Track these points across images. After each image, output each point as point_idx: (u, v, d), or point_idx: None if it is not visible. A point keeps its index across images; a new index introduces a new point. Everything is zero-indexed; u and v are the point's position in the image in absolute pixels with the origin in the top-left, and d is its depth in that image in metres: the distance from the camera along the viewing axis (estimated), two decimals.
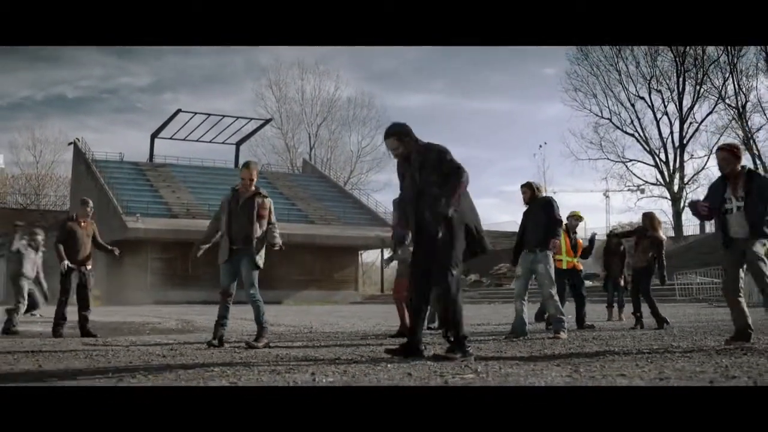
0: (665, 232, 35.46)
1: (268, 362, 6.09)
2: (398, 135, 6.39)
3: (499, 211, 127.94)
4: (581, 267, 12.23)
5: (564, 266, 11.64)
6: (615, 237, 14.74)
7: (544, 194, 9.87)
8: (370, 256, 66.49)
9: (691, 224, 57.79)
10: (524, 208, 9.69)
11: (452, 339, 6.16)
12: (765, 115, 56.05)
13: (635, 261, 11.69)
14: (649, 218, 11.93)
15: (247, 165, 8.68)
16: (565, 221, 10.77)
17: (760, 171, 54.94)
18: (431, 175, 6.19)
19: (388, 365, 5.56)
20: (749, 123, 56.34)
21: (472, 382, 4.43)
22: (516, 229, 10.14)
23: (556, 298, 9.52)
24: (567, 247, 11.69)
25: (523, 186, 9.78)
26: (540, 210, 9.47)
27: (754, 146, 55.85)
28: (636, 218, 52.68)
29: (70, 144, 62.48)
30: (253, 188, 8.49)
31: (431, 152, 6.27)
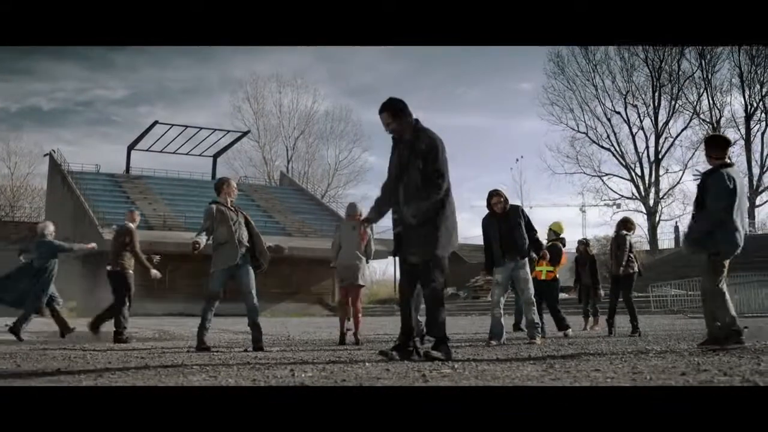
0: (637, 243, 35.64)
1: (248, 362, 6.12)
2: (392, 110, 6.39)
3: (472, 225, 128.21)
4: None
5: (543, 276, 11.78)
6: (584, 245, 14.95)
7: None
8: None
9: (666, 238, 58.28)
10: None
11: (435, 338, 6.23)
12: (739, 130, 56.74)
13: (615, 269, 11.76)
14: (622, 221, 12.19)
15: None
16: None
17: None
18: (417, 160, 6.21)
19: (367, 363, 5.61)
20: None
21: (450, 376, 4.50)
22: None
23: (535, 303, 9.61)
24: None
25: (496, 194, 9.46)
26: (517, 218, 9.44)
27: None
28: (612, 232, 52.92)
29: (45, 155, 62.07)
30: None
31: (423, 140, 6.29)
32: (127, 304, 11.06)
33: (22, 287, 11.66)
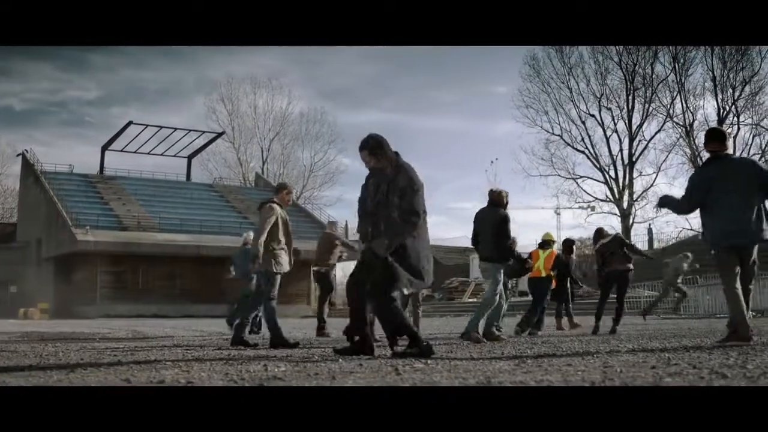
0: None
1: (221, 358, 6.11)
2: (371, 149, 6.37)
3: (447, 228, 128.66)
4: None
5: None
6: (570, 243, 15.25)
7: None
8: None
9: (639, 241, 58.64)
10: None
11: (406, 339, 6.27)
12: None
13: (619, 265, 12.19)
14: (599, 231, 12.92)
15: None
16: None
17: None
18: (394, 197, 6.22)
19: (340, 359, 5.62)
20: (696, 141, 57.48)
21: (422, 370, 4.52)
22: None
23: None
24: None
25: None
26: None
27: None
28: (586, 234, 53.41)
29: (18, 155, 61.59)
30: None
31: (403, 177, 6.28)
32: (327, 300, 12.81)
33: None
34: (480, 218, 9.64)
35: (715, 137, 7.68)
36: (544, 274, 12.90)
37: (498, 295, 9.49)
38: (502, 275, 9.55)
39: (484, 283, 10.14)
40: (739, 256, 7.29)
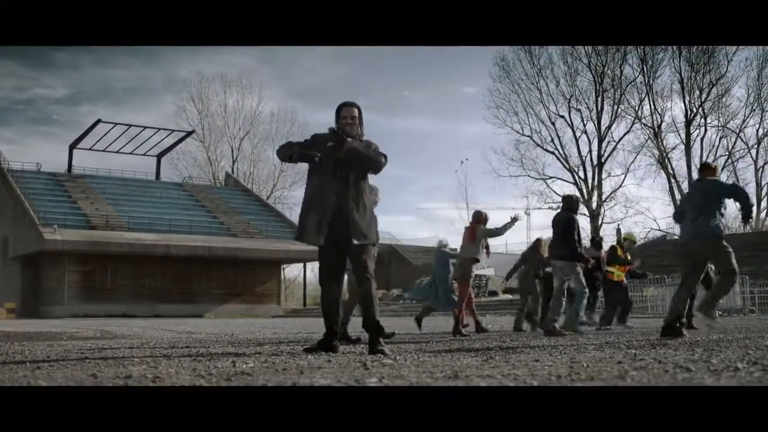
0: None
1: (189, 355, 6.09)
2: (360, 110, 6.51)
3: (416, 228, 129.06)
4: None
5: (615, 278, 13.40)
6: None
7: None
8: (293, 271, 66.32)
9: (608, 241, 58.78)
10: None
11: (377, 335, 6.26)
12: (679, 135, 57.84)
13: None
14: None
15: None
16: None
17: (675, 189, 56.82)
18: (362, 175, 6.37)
19: (309, 356, 5.62)
20: (664, 142, 58.14)
21: (390, 365, 4.53)
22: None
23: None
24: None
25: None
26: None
27: (669, 165, 57.63)
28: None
29: None
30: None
31: (371, 144, 6.46)
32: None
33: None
34: (553, 221, 10.56)
35: (704, 167, 9.15)
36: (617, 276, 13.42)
37: (584, 287, 10.40)
38: (579, 269, 10.36)
39: (555, 280, 10.71)
40: (696, 260, 8.49)
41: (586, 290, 10.43)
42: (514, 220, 10.93)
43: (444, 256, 12.18)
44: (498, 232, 11.24)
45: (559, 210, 10.75)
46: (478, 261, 11.04)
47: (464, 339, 9.43)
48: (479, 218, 11.15)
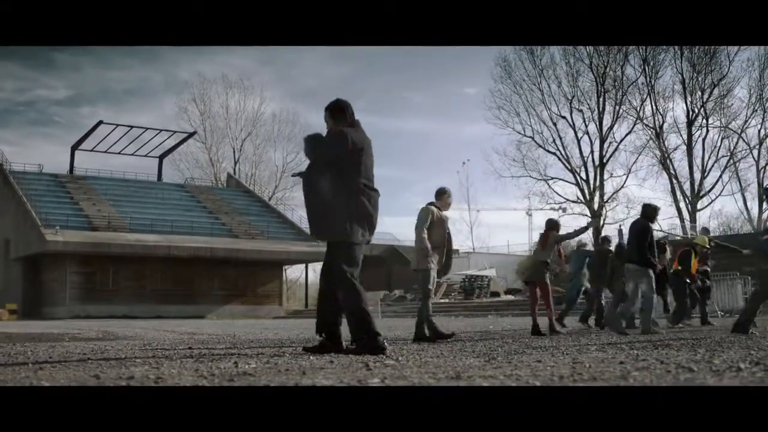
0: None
1: (191, 355, 6.09)
2: (330, 110, 6.45)
3: None
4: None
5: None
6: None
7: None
8: (295, 272, 66.34)
9: (612, 243, 58.91)
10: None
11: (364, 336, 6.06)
12: (681, 135, 57.86)
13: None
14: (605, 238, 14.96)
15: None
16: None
17: (676, 190, 56.80)
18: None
19: (311, 357, 5.62)
20: (666, 143, 58.16)
21: (393, 366, 4.53)
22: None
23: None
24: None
25: None
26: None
27: (670, 166, 57.66)
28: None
29: None
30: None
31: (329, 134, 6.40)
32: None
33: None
34: (630, 227, 11.08)
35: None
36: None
37: (653, 291, 10.71)
38: (651, 273, 10.66)
39: (627, 282, 11.14)
40: None
41: (655, 294, 10.89)
42: (588, 225, 12.24)
43: (582, 255, 13.86)
44: (569, 236, 12.21)
45: (637, 217, 11.29)
46: (548, 264, 11.49)
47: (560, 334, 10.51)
48: (552, 225, 11.74)
